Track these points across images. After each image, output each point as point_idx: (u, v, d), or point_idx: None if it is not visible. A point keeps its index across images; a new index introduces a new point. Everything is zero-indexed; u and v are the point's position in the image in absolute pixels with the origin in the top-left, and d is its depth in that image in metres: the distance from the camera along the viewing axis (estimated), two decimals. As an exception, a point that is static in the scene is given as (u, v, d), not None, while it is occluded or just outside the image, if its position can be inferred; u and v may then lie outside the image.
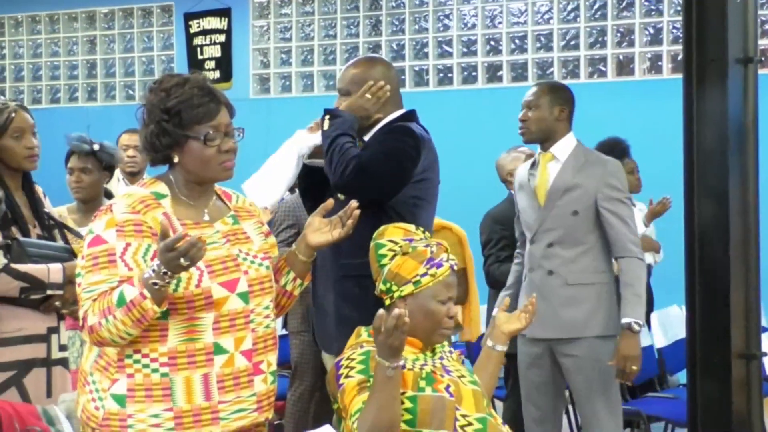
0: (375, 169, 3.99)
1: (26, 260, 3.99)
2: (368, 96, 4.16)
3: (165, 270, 2.85)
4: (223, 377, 3.04)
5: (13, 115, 4.11)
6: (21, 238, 4.01)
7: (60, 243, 4.18)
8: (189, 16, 10.60)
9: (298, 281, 3.32)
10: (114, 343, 2.97)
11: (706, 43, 4.12)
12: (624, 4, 9.21)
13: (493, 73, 9.66)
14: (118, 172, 5.89)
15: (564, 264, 4.71)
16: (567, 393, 5.14)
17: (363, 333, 3.34)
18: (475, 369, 3.56)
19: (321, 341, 4.25)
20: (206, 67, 10.41)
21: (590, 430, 4.75)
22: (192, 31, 10.61)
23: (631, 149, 7.16)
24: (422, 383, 3.22)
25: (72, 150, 5.08)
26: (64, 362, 4.16)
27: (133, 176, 6.38)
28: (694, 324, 4.17)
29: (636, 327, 4.59)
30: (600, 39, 9.28)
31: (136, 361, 3.01)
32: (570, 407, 6.22)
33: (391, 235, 3.37)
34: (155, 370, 3.00)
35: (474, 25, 9.70)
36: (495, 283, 5.75)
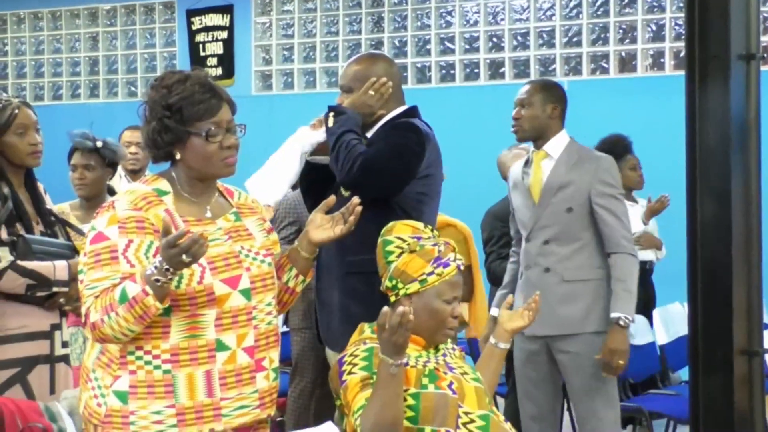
0: (381, 166, 4.00)
1: (31, 257, 4.00)
2: (371, 93, 4.17)
3: (167, 267, 2.85)
4: (226, 374, 3.04)
5: (17, 111, 4.11)
6: (26, 235, 4.02)
7: (62, 240, 4.19)
8: (191, 13, 10.60)
9: (301, 278, 3.32)
10: (116, 340, 2.97)
11: (708, 39, 4.11)
12: (626, 0, 9.21)
13: (496, 69, 9.66)
14: (120, 169, 5.89)
15: (560, 261, 4.73)
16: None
17: (366, 329, 3.34)
18: (477, 366, 3.56)
19: (325, 338, 4.24)
20: (208, 63, 10.41)
21: (588, 426, 4.75)
22: (194, 27, 10.61)
23: (633, 146, 7.17)
24: (425, 380, 3.22)
25: (75, 147, 5.08)
26: (66, 359, 4.17)
27: (135, 173, 6.38)
28: (696, 321, 4.16)
29: (625, 322, 4.62)
30: (602, 36, 9.28)
31: (139, 358, 3.01)
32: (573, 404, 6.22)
33: (400, 232, 3.37)
34: (157, 367, 3.00)
35: (476, 22, 9.69)
36: (496, 280, 5.75)
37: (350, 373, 3.18)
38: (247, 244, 3.15)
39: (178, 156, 3.10)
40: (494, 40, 9.65)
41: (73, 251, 4.14)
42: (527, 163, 4.91)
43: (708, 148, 4.12)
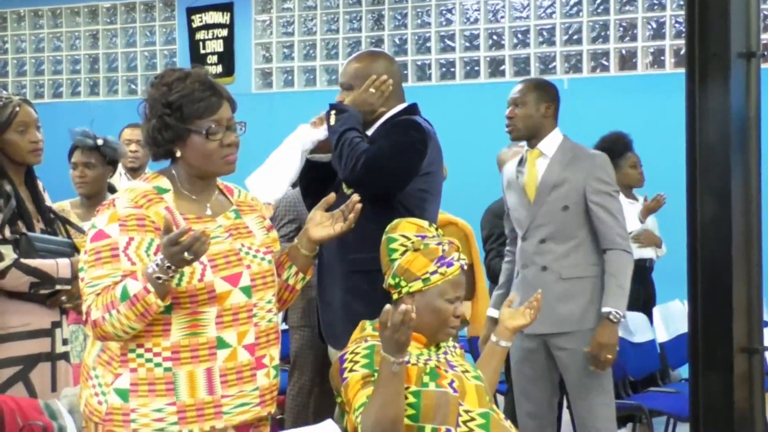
0: (385, 164, 4.01)
1: (34, 255, 4.00)
2: (372, 90, 4.17)
3: (169, 264, 2.85)
4: (226, 371, 3.04)
5: (17, 109, 4.11)
6: (29, 233, 4.02)
7: (63, 237, 4.19)
8: (191, 11, 10.60)
9: (300, 275, 3.32)
10: (117, 338, 2.97)
11: (708, 37, 4.11)
12: (626, -2, 9.22)
13: (496, 67, 9.66)
14: (120, 167, 5.89)
15: (557, 259, 4.75)
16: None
17: (367, 327, 3.35)
18: (478, 364, 3.56)
19: (328, 336, 4.24)
20: (209, 61, 10.41)
21: (585, 422, 4.77)
22: (194, 25, 10.61)
23: (633, 144, 7.16)
24: (426, 378, 3.22)
25: (76, 144, 5.08)
26: (66, 356, 4.18)
27: (135, 171, 6.38)
28: (696, 318, 4.17)
29: (615, 317, 4.64)
30: (603, 33, 9.28)
31: (139, 356, 3.01)
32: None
33: (404, 230, 3.37)
34: (158, 365, 3.00)
35: (476, 20, 9.69)
36: (496, 278, 5.75)
37: (351, 370, 3.18)
38: (248, 242, 3.15)
39: (178, 154, 3.10)
40: (494, 37, 9.65)
41: (73, 249, 4.14)
42: (521, 162, 4.92)
43: (708, 146, 4.12)
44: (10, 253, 3.95)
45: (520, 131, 4.83)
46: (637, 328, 6.40)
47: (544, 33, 9.48)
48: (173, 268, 2.86)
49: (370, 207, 3.83)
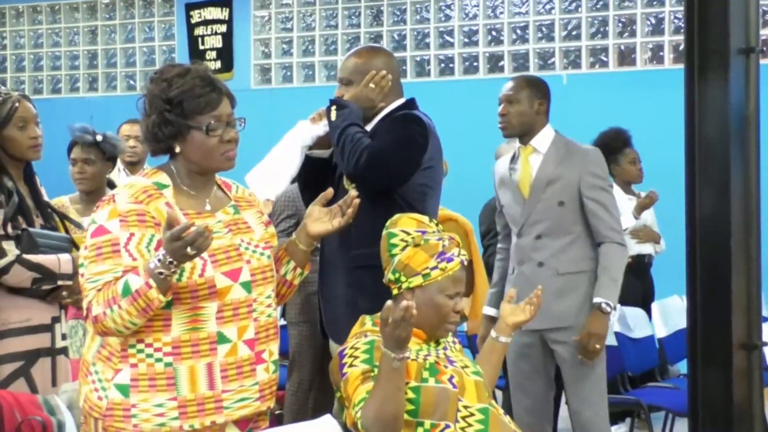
0: (388, 159, 4.02)
1: (36, 251, 4.00)
2: (372, 86, 4.18)
3: (171, 259, 2.85)
4: (227, 366, 3.04)
5: (17, 105, 4.11)
6: (30, 229, 4.02)
7: (62, 233, 4.20)
8: (190, 7, 10.59)
9: (298, 270, 3.32)
10: (119, 333, 2.97)
11: (707, 33, 4.11)
12: (625, -6, 9.21)
13: (495, 63, 9.65)
14: (118, 163, 5.89)
15: (554, 255, 4.76)
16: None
17: (367, 322, 3.35)
18: (478, 360, 3.56)
19: (331, 332, 4.24)
20: (207, 57, 10.40)
21: (580, 414, 4.78)
22: (193, 21, 10.60)
23: (632, 139, 7.16)
24: (426, 374, 3.23)
25: (75, 141, 5.08)
26: (65, 351, 4.18)
27: (133, 166, 6.38)
28: (695, 314, 4.17)
29: (606, 308, 4.67)
30: (601, 29, 9.27)
31: (140, 351, 3.02)
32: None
33: (405, 225, 3.37)
34: (159, 360, 3.01)
35: (475, 16, 9.69)
36: (494, 273, 5.75)
37: (351, 365, 3.18)
38: (247, 237, 3.16)
39: (177, 149, 3.11)
40: (493, 33, 9.64)
41: (72, 244, 4.15)
42: (513, 159, 4.93)
43: (707, 142, 4.12)
44: (12, 249, 3.95)
45: (514, 128, 4.84)
46: (636, 324, 6.40)
47: (543, 29, 9.47)
48: (175, 263, 2.86)
49: (371, 202, 3.84)
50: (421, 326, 3.26)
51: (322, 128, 4.20)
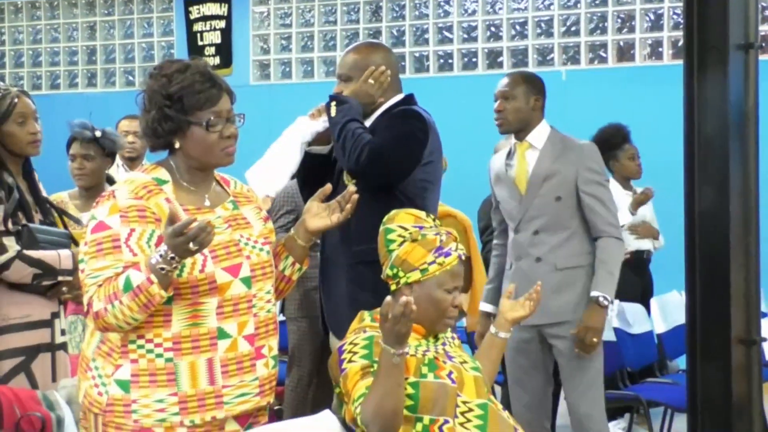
0: (389, 154, 4.02)
1: (36, 247, 4.00)
2: (371, 81, 4.18)
3: (173, 255, 2.85)
4: (227, 362, 3.04)
5: (16, 100, 4.11)
6: (30, 225, 4.02)
7: (61, 228, 4.19)
8: (189, 2, 10.58)
9: (297, 266, 3.33)
10: (120, 329, 2.97)
11: (706, 29, 4.12)
12: (624, -10, 9.21)
13: (494, 59, 9.65)
14: (117, 158, 5.89)
15: (552, 250, 4.78)
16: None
17: (366, 317, 3.35)
18: (477, 356, 3.56)
19: (333, 328, 4.23)
20: (206, 53, 10.39)
21: (577, 408, 4.79)
22: (192, 17, 10.59)
23: (631, 135, 7.16)
24: (425, 369, 3.23)
25: (74, 136, 5.08)
26: (64, 347, 4.19)
27: (132, 161, 6.37)
28: (694, 309, 4.17)
29: (603, 302, 4.69)
30: (600, 25, 9.27)
31: (140, 347, 3.02)
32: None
33: (402, 221, 3.37)
34: (159, 355, 3.01)
35: (474, 11, 9.68)
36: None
37: (350, 361, 3.18)
38: (246, 233, 3.16)
39: (177, 145, 3.10)
40: (492, 29, 9.64)
41: (71, 239, 4.15)
42: (509, 155, 4.94)
43: (706, 138, 4.13)
44: (13, 245, 3.95)
45: (511, 124, 4.85)
46: (635, 320, 6.41)
47: (542, 24, 9.47)
48: (177, 258, 2.86)
49: (372, 198, 3.84)
50: (420, 321, 3.26)
51: (321, 124, 4.20)
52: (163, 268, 2.87)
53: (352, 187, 3.29)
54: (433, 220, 3.41)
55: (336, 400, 3.30)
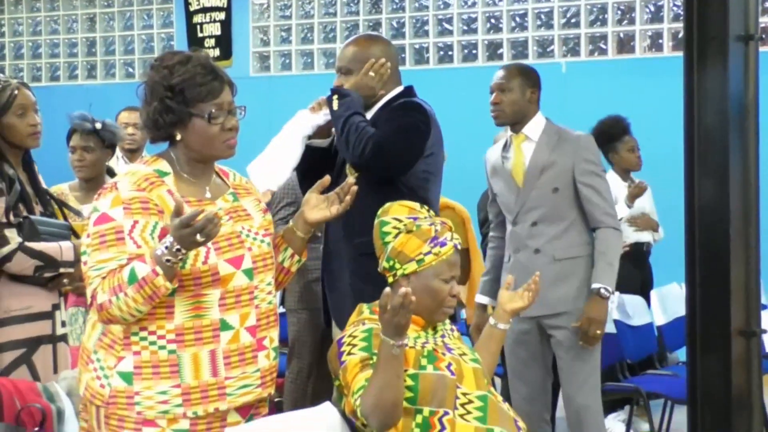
0: (392, 147, 4.03)
1: (37, 238, 4.00)
2: (371, 74, 4.18)
3: (179, 246, 2.86)
4: (230, 353, 3.05)
5: (16, 92, 4.11)
6: (32, 217, 4.02)
7: (61, 220, 4.20)
8: (188, -6, 10.58)
9: (296, 258, 3.33)
10: (124, 321, 2.97)
11: (706, 20, 4.11)
12: (624, -19, 9.20)
13: (494, 51, 9.64)
14: (117, 150, 5.89)
15: (550, 241, 4.79)
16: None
17: (365, 310, 3.35)
18: (476, 347, 3.57)
19: (337, 320, 4.24)
20: (206, 45, 10.38)
21: (574, 401, 4.80)
22: (192, 8, 10.58)
23: (631, 127, 7.16)
24: (424, 361, 3.23)
25: (74, 128, 5.08)
26: (65, 338, 4.19)
27: (132, 153, 6.37)
28: (694, 301, 4.18)
29: (605, 293, 4.70)
30: (600, 16, 9.26)
31: (143, 339, 3.02)
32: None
33: (396, 213, 3.37)
34: (162, 347, 3.01)
35: (474, 3, 9.67)
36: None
37: (349, 353, 3.18)
38: (247, 224, 3.16)
39: (178, 137, 3.10)
40: (492, 21, 9.63)
41: (71, 231, 4.15)
42: (505, 148, 4.94)
43: (706, 130, 4.13)
44: (15, 237, 3.95)
45: (507, 116, 4.86)
46: (635, 312, 6.41)
47: (542, 16, 9.46)
48: (183, 250, 2.87)
49: (374, 190, 3.84)
50: (418, 312, 3.26)
51: (322, 117, 4.20)
52: (168, 260, 2.87)
53: (351, 179, 3.29)
54: (428, 210, 3.41)
55: (336, 392, 3.30)
